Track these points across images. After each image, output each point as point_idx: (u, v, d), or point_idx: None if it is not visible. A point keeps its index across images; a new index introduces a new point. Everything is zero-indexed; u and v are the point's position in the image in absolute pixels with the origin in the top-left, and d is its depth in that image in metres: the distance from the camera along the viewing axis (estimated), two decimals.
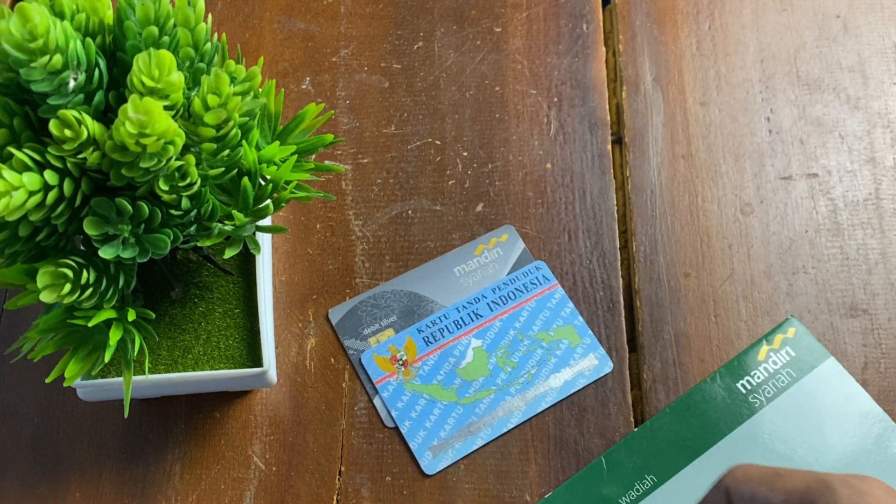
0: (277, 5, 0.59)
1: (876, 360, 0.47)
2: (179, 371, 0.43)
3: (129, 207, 0.34)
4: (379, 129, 0.55)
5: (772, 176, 0.53)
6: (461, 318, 0.49)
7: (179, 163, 0.34)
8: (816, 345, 0.47)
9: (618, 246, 0.51)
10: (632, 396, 0.47)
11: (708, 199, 0.52)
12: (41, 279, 0.34)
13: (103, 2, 0.34)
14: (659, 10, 0.58)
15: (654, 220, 0.52)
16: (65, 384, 0.38)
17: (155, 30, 0.34)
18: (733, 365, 0.47)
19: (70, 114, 0.31)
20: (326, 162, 0.53)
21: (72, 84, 0.32)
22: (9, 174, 0.31)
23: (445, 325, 0.49)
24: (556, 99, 0.55)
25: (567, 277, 0.50)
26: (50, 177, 0.32)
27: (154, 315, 0.40)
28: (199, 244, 0.39)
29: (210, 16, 0.38)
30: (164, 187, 0.34)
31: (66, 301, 0.35)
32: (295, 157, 0.40)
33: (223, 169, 0.37)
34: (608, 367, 0.48)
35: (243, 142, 0.37)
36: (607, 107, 0.55)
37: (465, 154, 0.54)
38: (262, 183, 0.39)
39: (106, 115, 0.35)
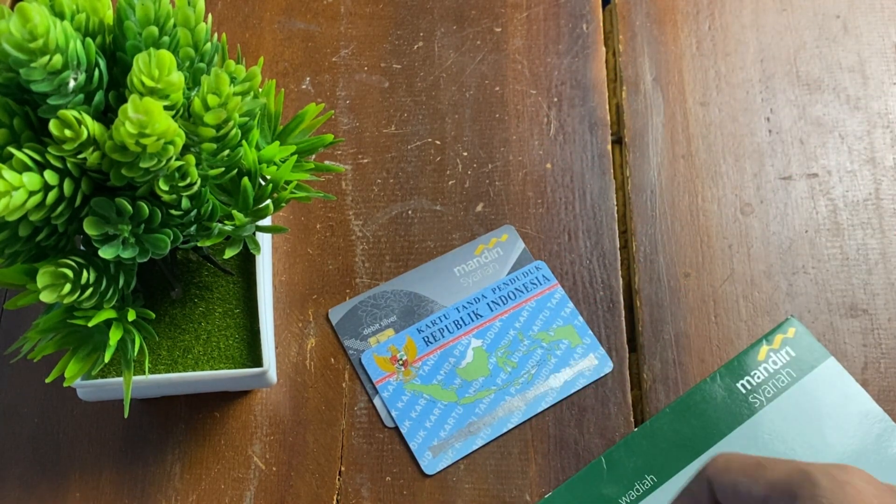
0: (277, 5, 0.59)
1: (876, 360, 0.47)
2: (179, 371, 0.43)
3: (129, 207, 0.34)
4: (379, 129, 0.55)
5: (772, 176, 0.53)
6: (461, 318, 0.49)
7: (179, 163, 0.34)
8: (816, 345, 0.47)
9: (618, 246, 0.51)
10: (632, 396, 0.47)
11: (708, 199, 0.52)
12: (41, 279, 0.34)
13: (103, 2, 0.34)
14: (659, 10, 0.58)
15: (654, 220, 0.52)
16: (65, 384, 0.38)
17: (155, 30, 0.34)
18: (733, 365, 0.47)
19: (70, 114, 0.31)
20: (326, 162, 0.53)
21: (72, 84, 0.32)
22: (9, 174, 0.31)
23: (445, 325, 0.49)
24: (556, 99, 0.55)
25: (567, 277, 0.50)
26: (50, 177, 0.32)
27: (154, 315, 0.40)
28: (199, 244, 0.39)
29: (210, 16, 0.38)
30: (164, 187, 0.34)
31: (66, 301, 0.35)
32: (295, 157, 0.40)
33: (223, 169, 0.37)
34: (608, 367, 0.48)
35: (243, 142, 0.37)
36: (607, 107, 0.55)
37: (465, 154, 0.54)
38: (262, 183, 0.39)
39: (106, 115, 0.35)
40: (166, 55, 0.32)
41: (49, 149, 0.32)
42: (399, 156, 0.54)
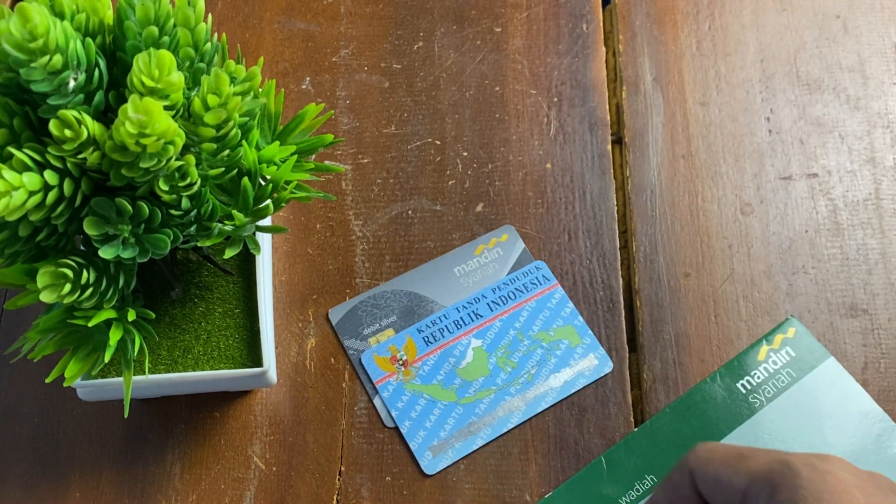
0: (277, 5, 0.59)
1: (876, 360, 0.47)
2: (179, 371, 0.43)
3: (129, 207, 0.34)
4: (379, 129, 0.55)
5: (772, 176, 0.53)
6: (461, 318, 0.49)
7: (179, 163, 0.34)
8: (816, 345, 0.47)
9: (618, 246, 0.51)
10: (632, 396, 0.47)
11: (708, 199, 0.52)
12: (41, 279, 0.34)
13: (103, 2, 0.34)
14: (659, 10, 0.58)
15: (654, 220, 0.52)
16: (65, 384, 0.38)
17: (155, 30, 0.34)
18: (733, 365, 0.47)
19: (70, 114, 0.31)
20: (326, 162, 0.53)
21: (72, 84, 0.32)
22: (9, 174, 0.31)
23: (445, 325, 0.49)
24: (556, 99, 0.55)
25: (567, 277, 0.50)
26: (50, 177, 0.32)
27: (154, 315, 0.40)
28: (199, 244, 0.39)
29: (210, 16, 0.38)
30: (164, 187, 0.34)
31: (66, 301, 0.35)
32: (295, 157, 0.40)
33: (223, 169, 0.37)
34: (608, 367, 0.48)
35: (243, 142, 0.37)
36: (607, 107, 0.55)
37: (465, 154, 0.54)
38: (262, 183, 0.39)
39: (106, 115, 0.35)
40: (166, 55, 0.32)
41: (49, 149, 0.32)
42: (399, 156, 0.54)
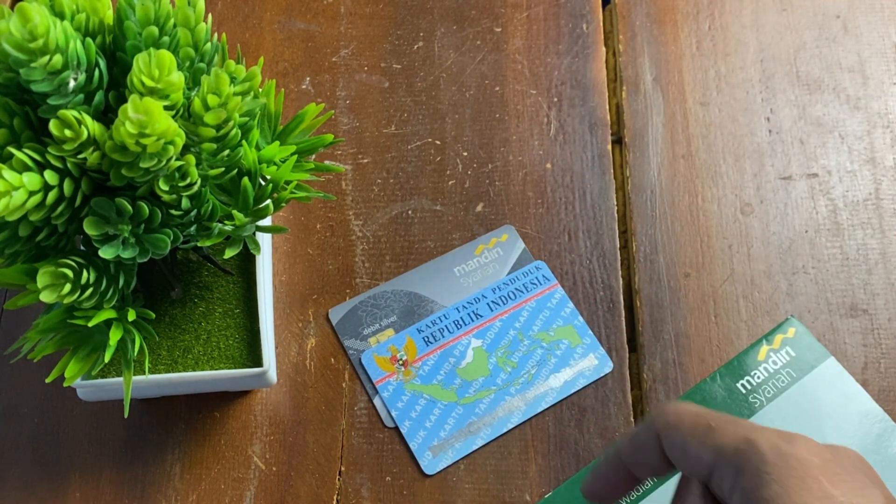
0: (277, 5, 0.59)
1: (876, 360, 0.47)
2: (179, 371, 0.43)
3: (129, 207, 0.34)
4: (379, 129, 0.55)
5: (772, 176, 0.53)
6: (461, 318, 0.49)
7: (179, 163, 0.34)
8: (816, 345, 0.47)
9: (618, 246, 0.51)
10: (632, 396, 0.47)
11: (708, 199, 0.52)
12: (41, 279, 0.34)
13: (103, 2, 0.34)
14: (659, 10, 0.58)
15: (654, 220, 0.52)
16: (65, 384, 0.38)
17: (155, 30, 0.34)
18: (733, 365, 0.47)
19: (70, 114, 0.31)
20: (326, 162, 0.53)
21: (72, 84, 0.32)
22: (9, 174, 0.31)
23: (445, 325, 0.49)
24: (556, 99, 0.55)
25: (567, 277, 0.50)
26: (50, 177, 0.32)
27: (154, 315, 0.40)
28: (199, 244, 0.39)
29: (210, 16, 0.38)
30: (164, 187, 0.34)
31: (66, 301, 0.35)
32: (295, 157, 0.40)
33: (223, 169, 0.37)
34: (608, 367, 0.48)
35: (243, 142, 0.37)
36: (607, 107, 0.55)
37: (465, 154, 0.54)
38: (262, 183, 0.39)
39: (106, 115, 0.35)
40: (166, 55, 0.32)
41: (49, 149, 0.32)
42: (399, 156, 0.54)
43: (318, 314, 0.49)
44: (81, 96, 0.33)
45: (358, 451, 0.46)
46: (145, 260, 0.36)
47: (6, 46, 0.30)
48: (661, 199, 0.52)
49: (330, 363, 0.48)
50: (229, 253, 0.39)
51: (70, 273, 0.34)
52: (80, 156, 0.32)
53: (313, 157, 0.53)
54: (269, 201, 0.39)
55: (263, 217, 0.39)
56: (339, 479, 0.45)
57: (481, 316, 0.49)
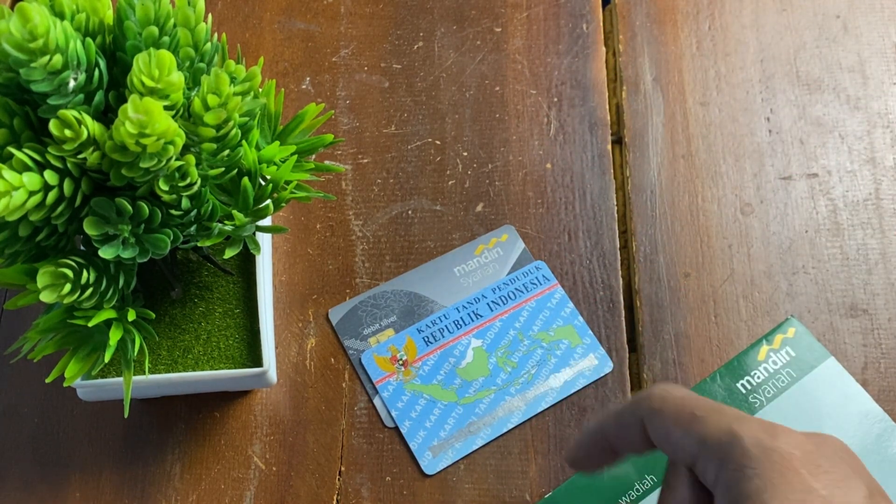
0: (277, 5, 0.59)
1: (876, 360, 0.47)
2: (179, 371, 0.43)
3: (129, 207, 0.34)
4: (379, 129, 0.55)
5: (772, 176, 0.53)
6: (461, 318, 0.49)
7: (179, 163, 0.34)
8: (816, 345, 0.47)
9: (618, 246, 0.51)
10: (632, 396, 0.47)
11: (708, 199, 0.52)
12: (41, 279, 0.34)
13: (103, 2, 0.34)
14: (659, 10, 0.58)
15: (654, 220, 0.52)
16: (65, 384, 0.38)
17: (155, 30, 0.34)
18: (733, 365, 0.47)
19: (70, 114, 0.31)
20: (326, 162, 0.53)
21: (72, 84, 0.32)
22: (9, 174, 0.31)
23: (445, 325, 0.49)
24: (556, 99, 0.55)
25: (567, 277, 0.50)
26: (50, 177, 0.32)
27: (154, 315, 0.40)
28: (199, 244, 0.39)
29: (210, 16, 0.38)
30: (164, 187, 0.34)
31: (66, 301, 0.35)
32: (295, 157, 0.40)
33: (223, 169, 0.37)
34: (608, 367, 0.48)
35: (243, 142, 0.37)
36: (607, 107, 0.55)
37: (465, 154, 0.54)
38: (262, 183, 0.39)
39: (106, 115, 0.35)
40: (166, 55, 0.32)
41: (49, 149, 0.32)
42: (399, 156, 0.54)
43: (318, 314, 0.49)
44: (81, 96, 0.33)
45: (358, 451, 0.46)
46: (145, 260, 0.36)
47: (6, 46, 0.30)
48: (661, 199, 0.52)
49: (330, 363, 0.48)
50: (229, 253, 0.39)
51: (70, 273, 0.34)
52: (80, 156, 0.32)
53: (313, 157, 0.53)
54: (269, 201, 0.39)
55: (263, 217, 0.39)
56: (339, 479, 0.45)
57: (481, 316, 0.49)
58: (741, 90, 0.55)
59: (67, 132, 0.31)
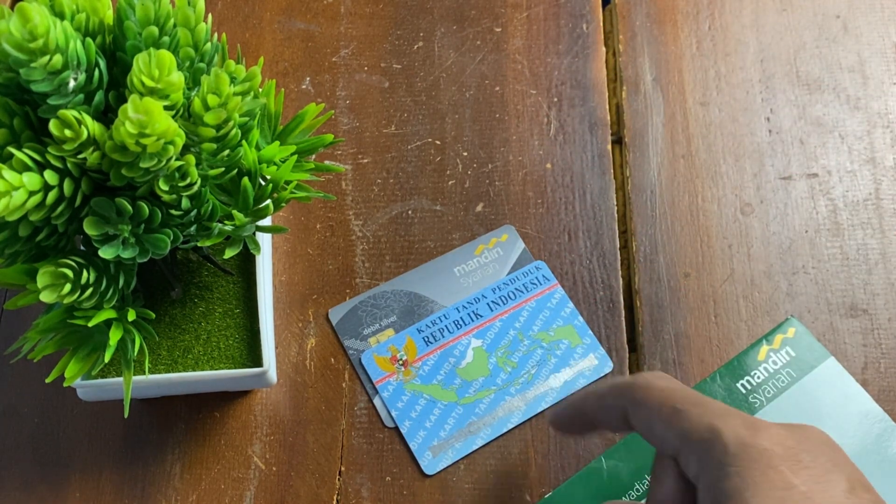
0: (277, 5, 0.59)
1: (876, 360, 0.47)
2: (179, 371, 0.43)
3: (129, 207, 0.34)
4: (379, 129, 0.55)
5: (772, 176, 0.53)
6: (461, 318, 0.49)
7: (179, 163, 0.34)
8: (816, 345, 0.47)
9: (618, 246, 0.51)
10: None
11: (708, 199, 0.52)
12: (41, 279, 0.34)
13: (103, 2, 0.34)
14: (659, 10, 0.58)
15: (654, 220, 0.52)
16: (65, 384, 0.38)
17: (155, 30, 0.34)
18: (733, 365, 0.47)
19: (70, 114, 0.31)
20: (326, 162, 0.53)
21: (72, 84, 0.32)
22: (9, 174, 0.31)
23: (445, 325, 0.49)
24: (556, 99, 0.55)
25: (567, 277, 0.50)
26: (50, 177, 0.32)
27: (154, 315, 0.40)
28: (199, 244, 0.39)
29: (210, 16, 0.38)
30: (164, 187, 0.34)
31: (66, 301, 0.35)
32: (295, 157, 0.40)
33: (223, 169, 0.37)
34: (608, 367, 0.48)
35: (243, 142, 0.37)
36: (607, 107, 0.55)
37: (465, 154, 0.54)
38: (262, 183, 0.39)
39: (106, 115, 0.35)
40: (166, 55, 0.32)
41: (49, 149, 0.32)
42: (399, 156, 0.54)
43: (318, 314, 0.49)
44: (81, 96, 0.33)
45: (358, 451, 0.46)
46: (145, 260, 0.36)
47: (6, 46, 0.30)
48: (661, 199, 0.52)
49: (330, 363, 0.48)
50: (229, 253, 0.39)
51: (70, 273, 0.34)
52: (80, 156, 0.32)
53: (313, 157, 0.53)
54: (269, 201, 0.39)
55: (263, 217, 0.39)
56: (339, 479, 0.45)
57: (481, 316, 0.49)
58: (741, 90, 0.55)
59: (67, 132, 0.31)
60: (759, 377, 0.46)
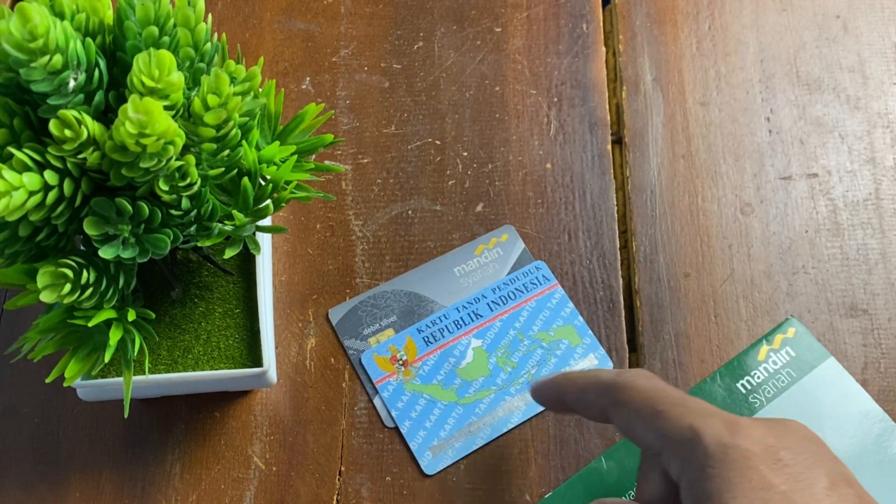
0: (277, 5, 0.59)
1: (876, 360, 0.47)
2: (179, 371, 0.43)
3: (129, 207, 0.34)
4: (379, 129, 0.55)
5: (772, 176, 0.53)
6: (461, 318, 0.49)
7: (179, 163, 0.34)
8: (816, 345, 0.47)
9: (618, 246, 0.51)
10: None
11: (708, 199, 0.52)
12: (41, 279, 0.34)
13: (103, 2, 0.34)
14: (659, 10, 0.58)
15: (654, 220, 0.52)
16: (65, 384, 0.38)
17: (155, 30, 0.34)
18: (733, 365, 0.47)
19: (70, 114, 0.31)
20: (326, 162, 0.53)
21: (72, 84, 0.32)
22: (9, 174, 0.31)
23: (445, 325, 0.49)
24: (556, 99, 0.55)
25: (567, 277, 0.50)
26: (50, 177, 0.32)
27: (154, 315, 0.40)
28: (199, 244, 0.39)
29: (210, 16, 0.38)
30: (164, 187, 0.34)
31: (66, 301, 0.35)
32: (295, 157, 0.40)
33: (223, 169, 0.37)
34: (608, 367, 0.48)
35: (243, 142, 0.37)
36: (607, 107, 0.55)
37: (465, 154, 0.54)
38: (262, 183, 0.39)
39: (106, 115, 0.35)
40: (166, 55, 0.32)
41: (49, 149, 0.32)
42: (399, 156, 0.54)
43: (318, 314, 0.49)
44: (81, 96, 0.33)
45: (358, 451, 0.46)
46: (145, 260, 0.36)
47: (6, 46, 0.30)
48: (661, 199, 0.52)
49: (330, 363, 0.48)
50: (229, 253, 0.39)
51: (70, 273, 0.34)
52: (80, 156, 0.32)
53: (313, 157, 0.53)
54: (269, 201, 0.39)
55: (263, 217, 0.39)
56: (339, 479, 0.45)
57: (481, 316, 0.49)
58: (741, 90, 0.55)
59: (67, 132, 0.31)
60: (759, 377, 0.46)
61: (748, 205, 0.52)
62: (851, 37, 0.56)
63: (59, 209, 0.33)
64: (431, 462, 0.45)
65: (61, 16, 0.33)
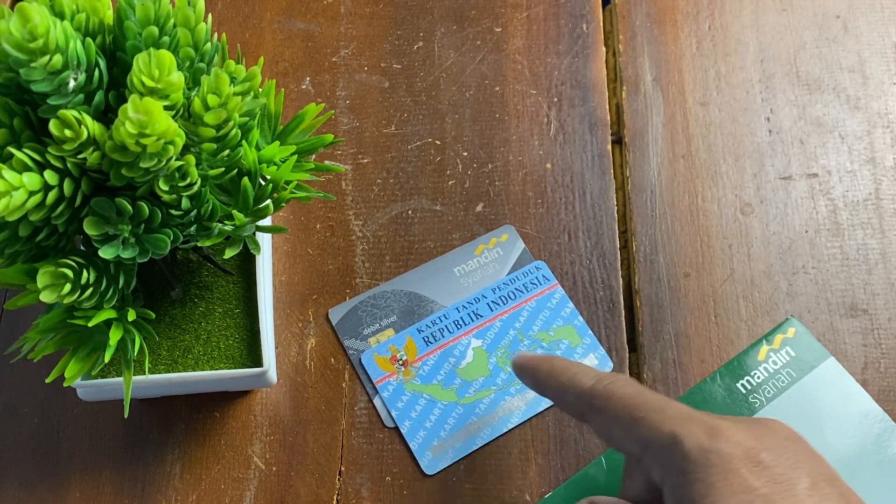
0: (277, 5, 0.59)
1: (876, 360, 0.47)
2: (179, 371, 0.43)
3: (129, 207, 0.34)
4: (379, 129, 0.55)
5: (772, 176, 0.53)
6: (461, 318, 0.49)
7: (179, 163, 0.34)
8: (816, 345, 0.47)
9: (618, 246, 0.51)
10: None
11: (708, 199, 0.52)
12: (41, 279, 0.34)
13: (103, 2, 0.34)
14: (659, 10, 0.58)
15: (654, 220, 0.52)
16: (65, 384, 0.38)
17: (155, 30, 0.34)
18: (733, 365, 0.47)
19: (70, 114, 0.31)
20: (326, 162, 0.53)
21: (72, 84, 0.32)
22: (9, 174, 0.31)
23: (445, 325, 0.49)
24: (556, 99, 0.55)
25: (567, 277, 0.50)
26: (50, 177, 0.32)
27: (154, 315, 0.40)
28: (199, 244, 0.39)
29: (210, 16, 0.38)
30: (164, 187, 0.34)
31: (66, 301, 0.35)
32: (295, 157, 0.40)
33: (223, 169, 0.37)
34: (608, 367, 0.48)
35: (243, 142, 0.37)
36: (607, 107, 0.55)
37: (465, 154, 0.54)
38: (262, 183, 0.39)
39: (106, 115, 0.35)
40: (166, 55, 0.32)
41: (49, 149, 0.32)
42: (399, 156, 0.54)
43: (318, 314, 0.49)
44: (81, 96, 0.33)
45: (358, 451, 0.46)
46: (145, 260, 0.36)
47: (6, 46, 0.30)
48: (661, 199, 0.52)
49: (330, 363, 0.48)
50: (229, 253, 0.39)
51: (70, 273, 0.34)
52: (80, 156, 0.32)
53: (313, 157, 0.53)
54: (269, 201, 0.39)
55: (263, 217, 0.39)
56: (339, 479, 0.45)
57: (481, 316, 0.49)
58: (741, 90, 0.55)
59: (67, 132, 0.31)
60: (759, 377, 0.46)
61: (748, 205, 0.52)
62: (851, 37, 0.56)
63: (59, 209, 0.33)
64: (431, 462, 0.45)
65: (61, 16, 0.33)
